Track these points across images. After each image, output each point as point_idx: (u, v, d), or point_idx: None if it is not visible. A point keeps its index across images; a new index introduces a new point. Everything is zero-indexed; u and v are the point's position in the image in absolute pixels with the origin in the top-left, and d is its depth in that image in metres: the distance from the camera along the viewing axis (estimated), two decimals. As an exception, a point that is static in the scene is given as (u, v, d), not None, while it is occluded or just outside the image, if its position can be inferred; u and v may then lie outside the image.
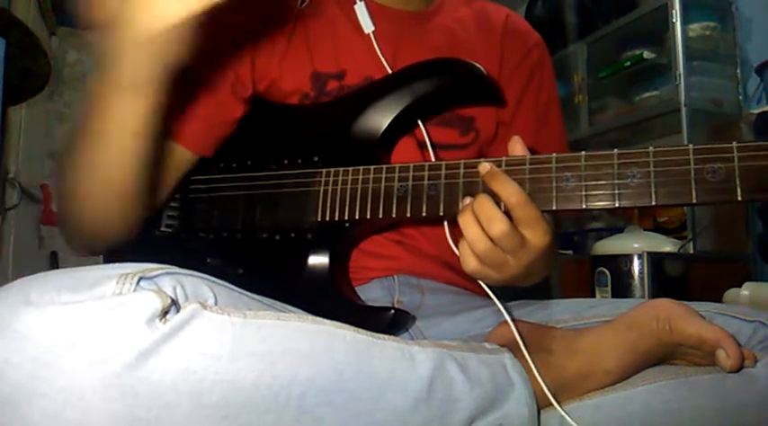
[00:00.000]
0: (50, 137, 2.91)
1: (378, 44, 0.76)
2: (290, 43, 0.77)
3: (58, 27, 2.68)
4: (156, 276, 0.44)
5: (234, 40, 0.75)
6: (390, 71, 0.76)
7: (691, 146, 0.54)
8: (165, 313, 0.41)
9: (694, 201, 0.54)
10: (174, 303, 0.43)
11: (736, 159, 0.52)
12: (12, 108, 1.72)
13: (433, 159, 0.71)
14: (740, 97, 2.02)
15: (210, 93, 0.74)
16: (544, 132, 0.85)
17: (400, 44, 0.79)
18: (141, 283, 0.42)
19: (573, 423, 0.54)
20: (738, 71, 2.03)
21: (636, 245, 1.69)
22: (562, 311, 0.72)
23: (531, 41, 0.87)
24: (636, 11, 2.14)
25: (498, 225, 0.56)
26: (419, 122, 0.74)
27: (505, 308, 0.61)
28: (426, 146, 0.72)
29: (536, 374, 0.54)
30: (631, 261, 1.65)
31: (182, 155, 0.74)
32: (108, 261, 0.82)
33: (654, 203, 0.55)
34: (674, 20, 1.95)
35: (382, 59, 0.75)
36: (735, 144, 0.53)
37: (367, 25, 0.78)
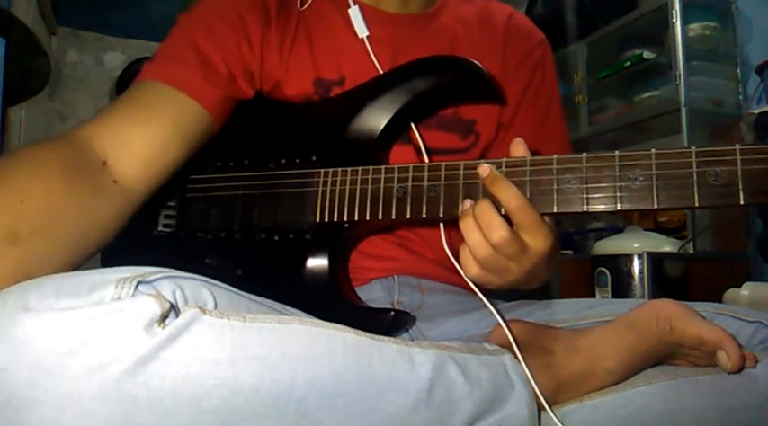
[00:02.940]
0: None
1: (374, 49, 0.76)
2: (293, 46, 0.77)
3: (58, 27, 2.68)
4: (154, 280, 0.44)
5: (246, 35, 0.75)
6: None
7: (693, 148, 0.54)
8: (164, 317, 0.41)
9: (697, 205, 0.53)
10: (174, 307, 0.43)
11: (738, 162, 0.52)
12: (12, 108, 1.72)
13: (426, 161, 0.71)
14: (740, 97, 2.02)
15: (227, 71, 0.73)
16: (545, 132, 0.84)
17: (400, 49, 0.79)
18: (140, 287, 0.42)
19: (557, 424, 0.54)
20: (738, 71, 2.03)
21: (636, 245, 1.69)
22: (562, 311, 0.72)
23: (533, 40, 0.87)
24: (636, 11, 2.13)
25: (498, 231, 0.56)
26: (412, 126, 0.74)
27: (504, 309, 0.61)
28: (424, 150, 0.72)
29: (530, 378, 0.54)
30: (631, 261, 1.64)
31: (201, 118, 0.71)
32: (105, 261, 0.82)
33: (656, 206, 0.55)
34: (674, 20, 1.95)
35: (376, 64, 0.75)
36: (737, 147, 0.52)
37: (361, 30, 0.77)
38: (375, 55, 0.76)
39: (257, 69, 0.76)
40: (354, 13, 0.78)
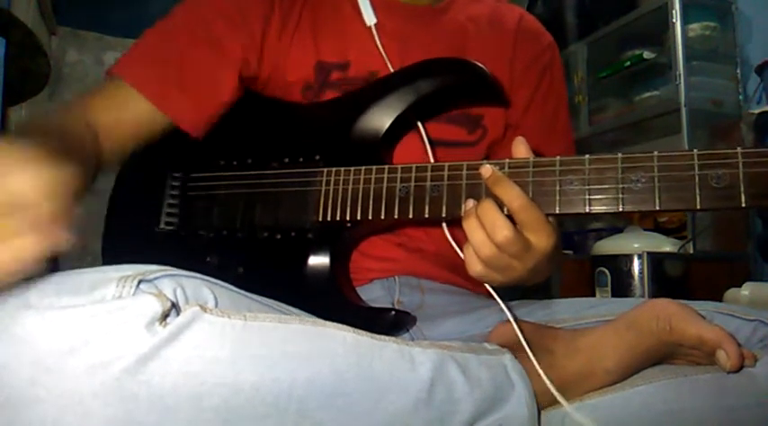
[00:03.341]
0: (50, 137, 2.90)
1: (381, 38, 0.76)
2: (297, 29, 0.78)
3: (58, 27, 2.68)
4: (156, 278, 0.44)
5: (245, 21, 0.76)
6: (391, 66, 0.75)
7: (695, 150, 0.54)
8: (165, 316, 0.41)
9: (698, 207, 0.53)
10: (175, 306, 0.43)
11: (740, 165, 0.52)
12: (12, 108, 1.72)
13: (432, 160, 0.71)
14: (740, 97, 2.02)
15: (213, 67, 0.75)
16: (552, 134, 0.84)
17: (408, 40, 0.79)
18: (141, 286, 0.42)
19: (578, 419, 0.54)
20: (738, 71, 2.03)
21: (636, 245, 1.69)
22: (562, 311, 0.72)
23: (543, 42, 0.87)
24: (636, 11, 2.13)
25: (502, 231, 0.56)
26: (419, 124, 0.74)
27: (507, 309, 0.61)
28: (430, 146, 0.72)
29: (541, 373, 0.54)
30: (631, 261, 1.65)
31: (166, 121, 0.75)
32: (107, 257, 0.82)
33: (657, 208, 0.55)
34: (674, 20, 1.95)
35: (383, 53, 0.75)
36: (739, 150, 0.52)
37: (369, 17, 0.77)
38: (382, 44, 0.76)
39: (255, 60, 0.77)
40: (363, 0, 0.78)
